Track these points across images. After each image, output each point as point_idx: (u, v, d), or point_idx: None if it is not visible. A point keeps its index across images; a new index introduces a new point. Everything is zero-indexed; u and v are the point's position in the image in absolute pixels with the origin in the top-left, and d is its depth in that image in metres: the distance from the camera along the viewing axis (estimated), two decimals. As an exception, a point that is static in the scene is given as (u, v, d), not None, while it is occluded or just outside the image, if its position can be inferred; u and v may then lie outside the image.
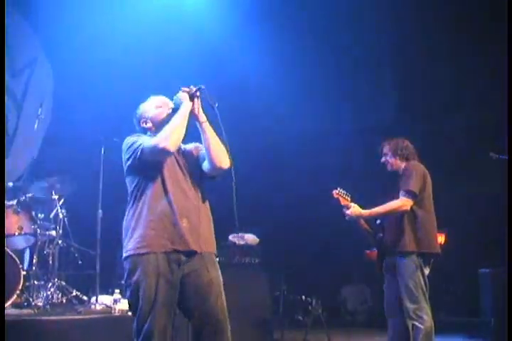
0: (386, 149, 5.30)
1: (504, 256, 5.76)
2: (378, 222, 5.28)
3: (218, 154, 3.61)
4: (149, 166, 3.57)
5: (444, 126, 9.08)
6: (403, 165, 5.22)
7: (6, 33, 9.08)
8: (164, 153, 3.51)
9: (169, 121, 3.61)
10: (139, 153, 3.52)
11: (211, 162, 3.63)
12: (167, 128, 3.54)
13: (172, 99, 3.76)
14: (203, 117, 3.67)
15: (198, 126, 3.68)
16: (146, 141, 3.56)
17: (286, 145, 9.65)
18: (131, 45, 8.91)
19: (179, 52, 9.06)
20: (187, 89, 3.68)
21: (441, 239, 8.17)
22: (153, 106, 3.80)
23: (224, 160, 3.63)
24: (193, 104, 3.65)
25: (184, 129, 3.58)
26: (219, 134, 3.65)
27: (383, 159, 5.33)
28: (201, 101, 3.68)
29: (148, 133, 3.80)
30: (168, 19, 9.10)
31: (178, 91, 3.72)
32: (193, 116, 3.66)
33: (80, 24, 8.82)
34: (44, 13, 8.86)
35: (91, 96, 8.89)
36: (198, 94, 3.65)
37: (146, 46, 8.97)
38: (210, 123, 3.65)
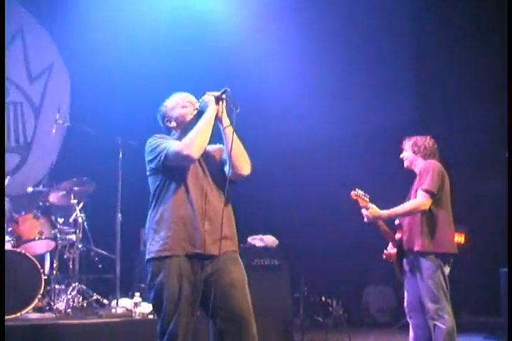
0: (406, 145, 5.27)
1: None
2: (397, 222, 5.25)
3: (239, 160, 3.58)
4: (172, 169, 3.56)
5: (464, 124, 8.99)
6: (420, 163, 5.18)
7: (24, 40, 9.19)
8: (188, 160, 3.50)
9: (194, 124, 3.59)
10: (162, 158, 3.51)
11: (231, 167, 3.59)
12: (192, 135, 3.51)
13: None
14: (226, 121, 3.62)
15: (221, 130, 3.63)
16: (171, 145, 3.53)
17: (307, 147, 9.61)
18: (149, 48, 8.94)
19: (198, 54, 9.07)
20: (213, 93, 3.64)
21: (460, 238, 8.13)
22: (179, 105, 3.74)
23: (244, 167, 3.60)
24: (218, 107, 3.61)
25: (209, 134, 3.55)
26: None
27: (402, 155, 5.31)
28: (226, 105, 3.63)
29: (173, 132, 3.78)
30: (186, 21, 9.11)
31: (203, 94, 3.68)
32: (217, 119, 3.62)
33: (96, 27, 8.87)
34: (60, 18, 8.93)
35: (108, 99, 8.93)
36: (223, 96, 3.62)
37: (163, 48, 8.98)
38: (234, 127, 3.60)
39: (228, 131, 3.60)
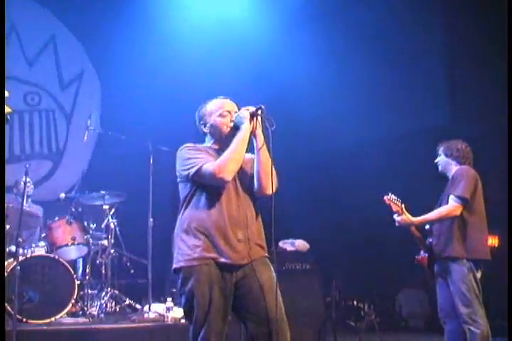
0: (440, 150, 5.26)
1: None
2: (427, 227, 5.23)
3: (265, 180, 3.58)
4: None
5: (497, 126, 8.86)
6: (454, 168, 5.15)
7: (56, 48, 9.32)
8: (221, 182, 3.50)
9: (229, 137, 3.60)
10: (192, 172, 3.51)
11: (256, 185, 3.61)
12: (226, 157, 3.49)
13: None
14: (260, 139, 3.61)
15: (255, 146, 3.62)
16: (205, 163, 3.51)
17: (339, 151, 9.57)
18: (179, 54, 8.97)
19: (226, 60, 9.09)
20: (248, 108, 3.63)
21: (494, 241, 8.02)
22: (217, 112, 3.70)
23: (269, 187, 3.59)
24: (253, 123, 3.60)
25: (243, 155, 3.56)
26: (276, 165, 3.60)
27: (436, 160, 5.29)
28: (261, 121, 3.62)
29: (207, 138, 3.77)
30: (215, 28, 9.15)
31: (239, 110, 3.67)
32: (252, 135, 3.61)
33: (125, 35, 8.94)
34: (91, 26, 9.02)
35: (138, 105, 8.99)
36: (258, 112, 3.60)
37: (193, 54, 9.01)
38: (269, 145, 3.60)
39: (261, 151, 3.60)
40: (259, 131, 3.61)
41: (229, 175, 3.49)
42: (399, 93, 9.42)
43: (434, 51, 9.46)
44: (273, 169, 3.60)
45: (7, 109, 2.71)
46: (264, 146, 3.61)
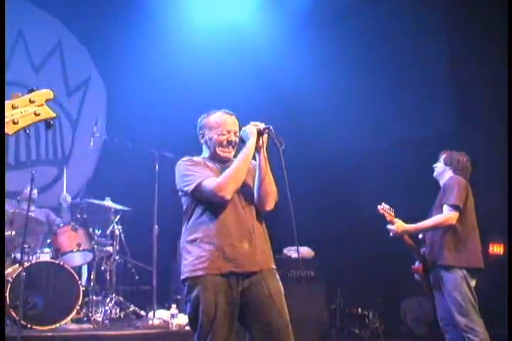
0: (442, 157, 5.30)
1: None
2: (420, 236, 5.25)
3: (266, 197, 3.59)
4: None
5: (503, 136, 8.84)
6: (447, 176, 5.19)
7: (63, 54, 9.34)
8: (221, 200, 3.48)
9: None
10: (192, 189, 3.50)
11: (257, 201, 3.61)
12: (228, 176, 3.48)
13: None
14: (264, 156, 3.59)
15: (258, 162, 3.61)
16: (204, 176, 3.50)
17: (341, 159, 9.57)
18: (184, 60, 8.99)
19: (232, 67, 9.10)
20: (256, 124, 3.61)
21: (499, 249, 8.01)
22: (218, 129, 3.66)
23: (269, 204, 3.61)
24: (258, 142, 3.58)
25: (245, 173, 3.54)
26: (276, 175, 3.60)
27: (434, 164, 5.34)
28: (268, 140, 3.61)
29: (205, 147, 3.75)
30: (220, 34, 9.16)
31: (246, 124, 3.65)
32: (256, 151, 3.59)
33: (132, 42, 8.96)
34: (97, 33, 9.04)
35: (144, 111, 9.01)
36: (266, 131, 3.57)
37: (199, 61, 9.02)
38: (270, 162, 3.60)
39: (263, 170, 3.58)
40: (263, 150, 3.60)
41: (229, 194, 3.46)
42: (404, 100, 9.41)
43: (439, 57, 9.45)
44: (274, 187, 3.60)
45: (51, 114, 2.56)
46: (267, 165, 3.59)
